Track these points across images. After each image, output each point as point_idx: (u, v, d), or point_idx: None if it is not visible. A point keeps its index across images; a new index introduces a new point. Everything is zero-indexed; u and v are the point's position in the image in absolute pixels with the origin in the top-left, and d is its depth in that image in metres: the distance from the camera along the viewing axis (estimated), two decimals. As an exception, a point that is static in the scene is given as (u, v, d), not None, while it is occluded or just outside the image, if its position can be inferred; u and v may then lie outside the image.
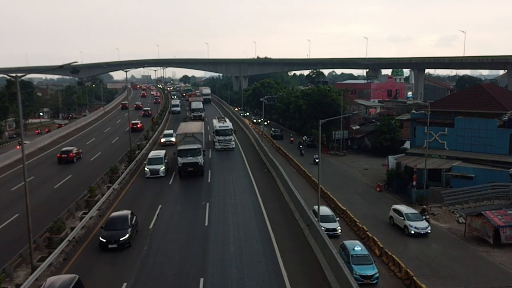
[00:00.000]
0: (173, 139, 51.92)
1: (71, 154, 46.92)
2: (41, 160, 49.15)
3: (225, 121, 52.80)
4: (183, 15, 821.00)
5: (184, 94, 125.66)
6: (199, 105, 74.76)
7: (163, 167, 39.18)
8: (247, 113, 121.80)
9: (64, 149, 48.26)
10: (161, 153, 41.14)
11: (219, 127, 49.87)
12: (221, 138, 49.24)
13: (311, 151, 67.21)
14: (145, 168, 39.33)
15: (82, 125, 76.02)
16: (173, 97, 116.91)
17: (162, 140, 54.15)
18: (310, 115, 77.12)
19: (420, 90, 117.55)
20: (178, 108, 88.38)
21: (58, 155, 47.35)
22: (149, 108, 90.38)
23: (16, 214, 29.96)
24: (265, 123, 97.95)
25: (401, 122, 65.72)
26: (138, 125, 67.67)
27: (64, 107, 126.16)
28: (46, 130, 78.24)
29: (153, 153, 41.62)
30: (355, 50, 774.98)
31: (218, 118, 55.97)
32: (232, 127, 50.79)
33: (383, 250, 28.23)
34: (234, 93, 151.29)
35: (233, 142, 49.96)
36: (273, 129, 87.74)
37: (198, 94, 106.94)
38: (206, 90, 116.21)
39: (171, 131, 55.78)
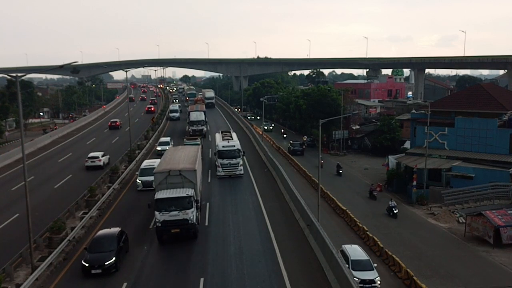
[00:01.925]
0: (170, 147, 46.33)
1: (117, 123, 69.85)
2: (41, 160, 49.20)
3: (231, 137, 42.27)
4: (183, 15, 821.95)
5: (187, 99, 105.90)
6: (200, 116, 58.99)
7: None
8: (258, 117, 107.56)
9: (112, 120, 72.00)
10: (156, 162, 35.45)
11: (223, 147, 38.27)
12: (225, 162, 37.88)
13: (330, 164, 58.25)
14: (137, 180, 35.06)
15: (83, 125, 76.10)
16: (173, 100, 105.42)
17: (158, 148, 48.28)
18: (310, 115, 77.15)
19: (420, 90, 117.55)
20: (177, 114, 78.74)
21: (109, 123, 70.52)
22: (154, 98, 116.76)
23: (16, 214, 30.00)
24: (284, 135, 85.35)
25: (401, 122, 65.72)
26: (152, 109, 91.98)
27: (65, 107, 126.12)
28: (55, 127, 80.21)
29: (146, 163, 37.31)
30: (355, 50, 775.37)
31: (222, 133, 45.22)
32: (240, 147, 38.94)
33: (383, 250, 28.22)
34: (234, 93, 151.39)
35: (241, 167, 38.41)
36: (291, 141, 70.58)
37: (200, 96, 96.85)
38: (210, 93, 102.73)
39: (167, 139, 50.62)
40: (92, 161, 43.76)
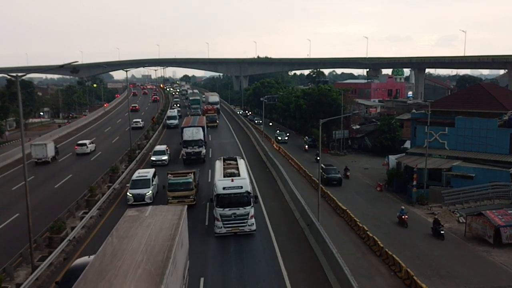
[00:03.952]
0: (166, 157, 43.73)
1: (137, 107, 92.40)
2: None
3: (237, 170, 28.35)
4: (183, 15, 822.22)
5: (189, 103, 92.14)
6: (197, 133, 44.39)
7: (150, 192, 31.45)
8: (270, 123, 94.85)
9: (132, 104, 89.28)
10: (149, 172, 33.33)
11: (224, 189, 25.09)
12: (227, 212, 24.75)
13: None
14: (128, 193, 31.52)
15: (83, 125, 76.15)
16: (173, 105, 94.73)
17: (153, 158, 43.56)
18: (310, 115, 77.11)
19: (421, 89, 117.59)
20: (176, 121, 68.54)
21: (130, 107, 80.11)
22: (156, 92, 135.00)
23: (17, 213, 30.04)
24: (316, 157, 56.69)
25: (401, 121, 65.71)
26: (157, 98, 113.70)
27: (65, 107, 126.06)
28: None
29: (138, 173, 33.28)
30: (355, 50, 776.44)
31: (224, 162, 31.21)
32: (250, 188, 25.64)
33: (383, 250, 28.19)
34: (234, 93, 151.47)
35: (253, 220, 25.15)
36: (324, 165, 48.17)
37: (211, 105, 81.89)
38: (214, 98, 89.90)
39: (163, 147, 45.40)
40: (136, 124, 65.93)
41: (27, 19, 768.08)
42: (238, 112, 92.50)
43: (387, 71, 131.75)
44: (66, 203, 30.68)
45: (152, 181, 32.43)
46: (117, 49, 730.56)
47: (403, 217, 35.00)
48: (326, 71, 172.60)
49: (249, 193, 25.22)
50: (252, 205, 25.15)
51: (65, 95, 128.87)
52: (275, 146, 62.41)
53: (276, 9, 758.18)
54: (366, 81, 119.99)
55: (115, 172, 38.54)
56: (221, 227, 24.84)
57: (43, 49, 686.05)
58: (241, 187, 25.27)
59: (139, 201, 30.94)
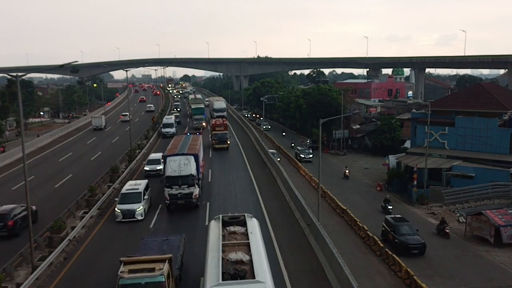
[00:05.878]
0: (161, 167, 37.83)
1: (144, 99, 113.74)
2: (41, 159, 49.22)
3: (248, 250, 15.60)
4: (184, 15, 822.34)
5: (190, 113, 79.16)
6: (186, 167, 29.77)
7: (142, 207, 27.92)
8: (283, 133, 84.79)
9: (140, 96, 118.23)
10: (141, 185, 29.81)
11: None
12: None
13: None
14: (116, 209, 28.01)
15: (83, 125, 76.18)
16: (173, 109, 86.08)
17: (146, 168, 39.36)
18: (310, 115, 77.15)
19: (421, 89, 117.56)
20: (172, 130, 59.15)
21: (139, 99, 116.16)
22: (157, 89, 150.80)
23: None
24: (387, 202, 38.80)
25: (401, 121, 65.76)
26: (158, 93, 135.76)
27: (65, 107, 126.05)
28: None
29: (129, 186, 30.05)
30: (354, 50, 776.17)
31: (224, 227, 18.06)
32: None
33: (383, 250, 28.19)
34: (234, 93, 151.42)
35: None
36: (392, 219, 31.37)
37: (221, 116, 66.61)
38: (219, 104, 75.36)
39: (158, 156, 40.39)
40: (149, 108, 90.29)
41: (27, 19, 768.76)
42: (245, 115, 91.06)
43: (387, 71, 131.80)
44: (66, 202, 30.65)
45: (144, 194, 28.93)
46: (117, 49, 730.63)
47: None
48: (326, 71, 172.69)
49: None
50: None
51: (65, 95, 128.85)
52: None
53: (276, 9, 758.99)
54: (366, 80, 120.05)
55: (115, 171, 38.49)
56: None
57: (43, 48, 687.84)
58: None
59: (129, 217, 27.52)
